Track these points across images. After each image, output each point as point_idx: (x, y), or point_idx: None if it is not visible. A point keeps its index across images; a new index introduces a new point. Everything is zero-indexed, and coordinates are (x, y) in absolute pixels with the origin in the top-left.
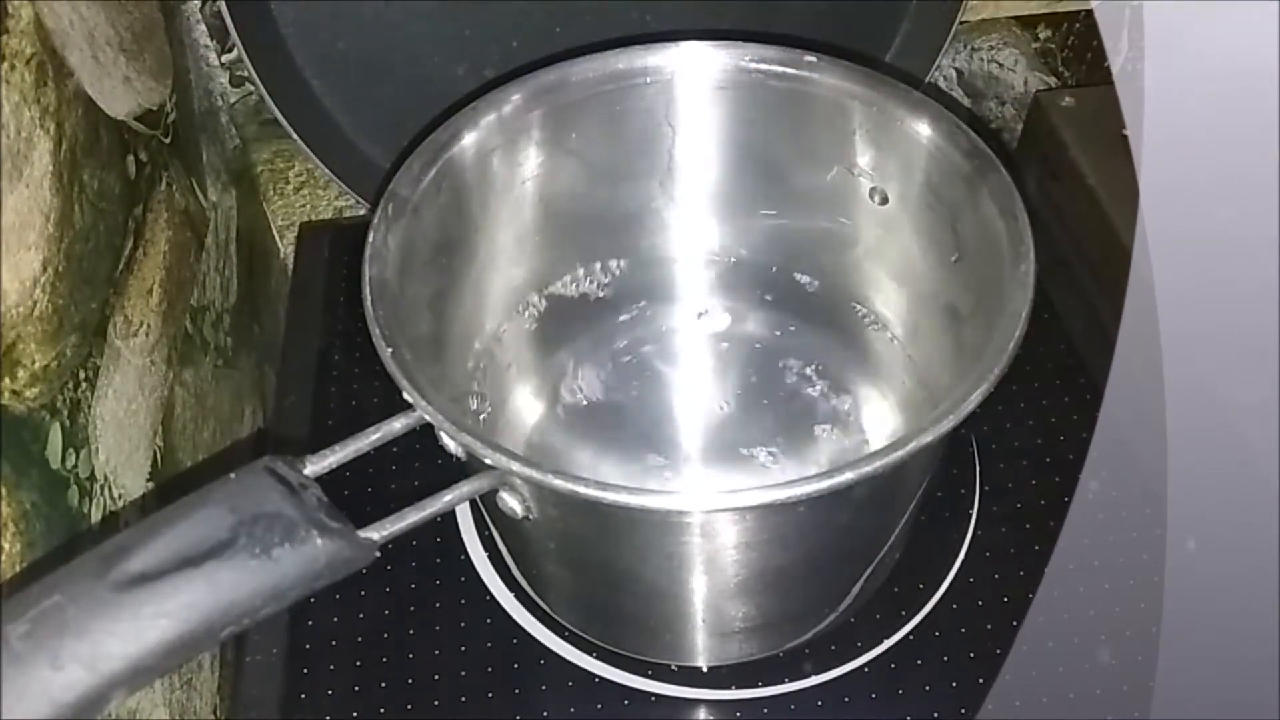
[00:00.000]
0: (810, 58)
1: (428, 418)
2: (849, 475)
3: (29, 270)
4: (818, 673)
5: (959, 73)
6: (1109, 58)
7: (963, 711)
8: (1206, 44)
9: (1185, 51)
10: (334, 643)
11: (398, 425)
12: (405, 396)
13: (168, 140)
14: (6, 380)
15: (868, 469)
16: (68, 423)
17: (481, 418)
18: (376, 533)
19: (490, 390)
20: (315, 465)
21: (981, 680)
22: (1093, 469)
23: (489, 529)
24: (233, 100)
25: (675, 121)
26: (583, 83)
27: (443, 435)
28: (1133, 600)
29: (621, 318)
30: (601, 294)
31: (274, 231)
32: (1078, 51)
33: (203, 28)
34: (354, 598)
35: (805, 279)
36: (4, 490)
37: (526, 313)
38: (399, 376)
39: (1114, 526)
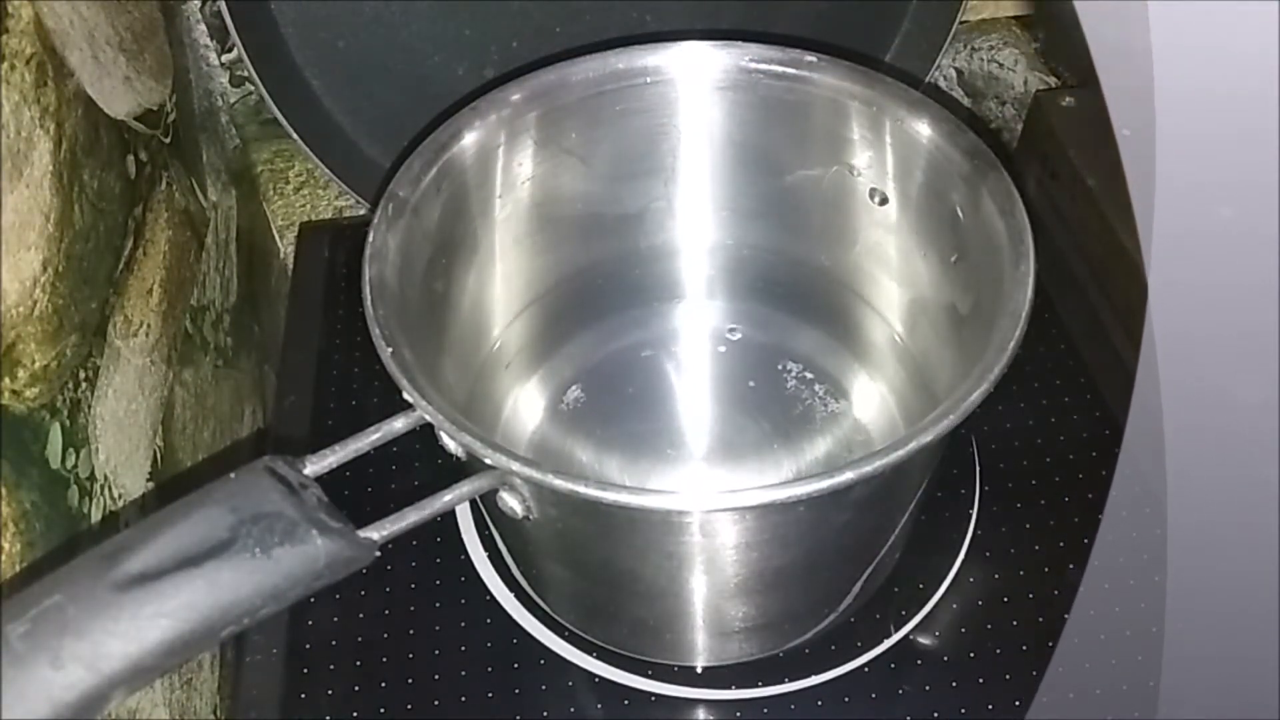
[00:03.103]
0: (810, 58)
1: (428, 418)
2: (849, 475)
3: (29, 270)
4: (818, 673)
5: (959, 73)
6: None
7: (962, 711)
8: (1208, 44)
9: (1187, 52)
10: (334, 643)
11: (398, 425)
12: (405, 396)
13: (168, 140)
14: (6, 380)
15: (868, 469)
16: (68, 423)
17: (481, 417)
18: (376, 533)
19: (490, 389)
20: (315, 465)
21: (981, 680)
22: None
23: (489, 529)
24: (233, 100)
25: (675, 122)
26: (583, 83)
27: (443, 435)
28: (1133, 600)
29: (621, 318)
30: (601, 294)
31: (274, 231)
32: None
33: (203, 28)
34: (354, 598)
35: (805, 279)
36: (4, 490)
37: (526, 312)
38: (399, 376)
39: (1112, 528)
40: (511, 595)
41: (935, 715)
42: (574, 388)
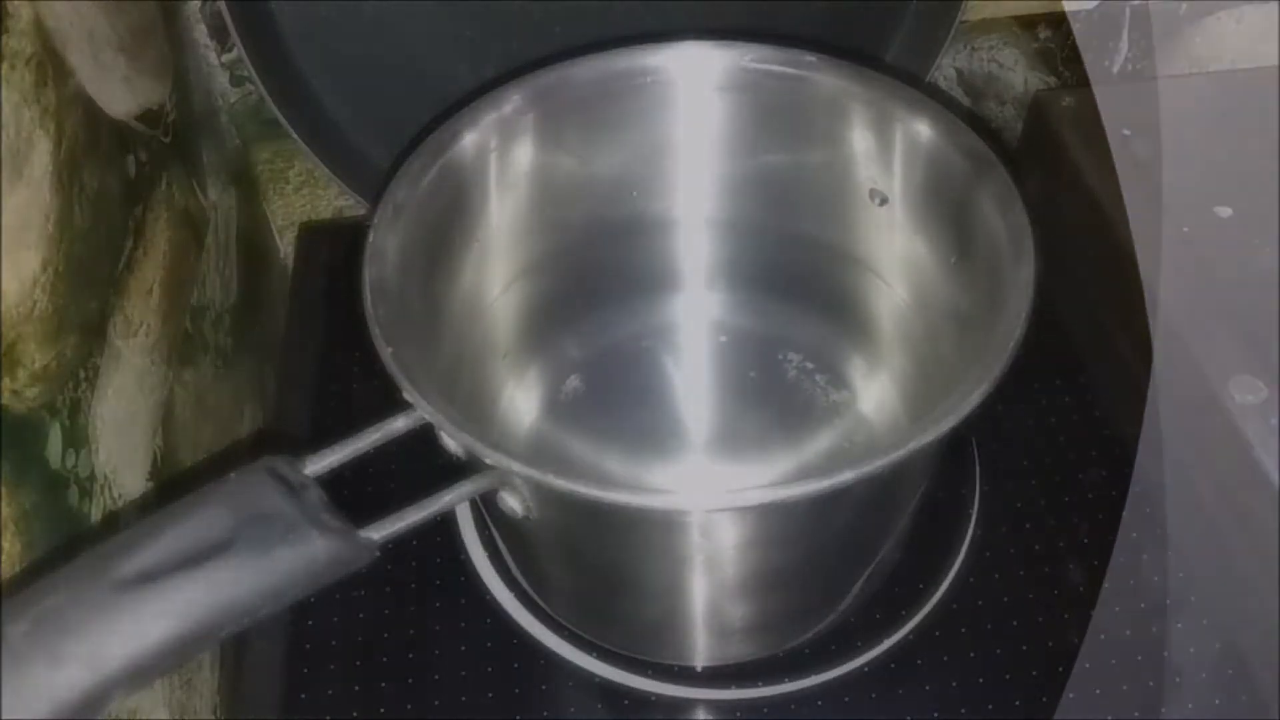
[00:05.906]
0: (810, 58)
1: (428, 418)
2: (849, 475)
3: (29, 270)
4: (818, 673)
5: (959, 73)
6: (1102, 58)
7: (963, 711)
8: (1208, 44)
9: (1187, 52)
10: (334, 643)
11: (398, 425)
12: (405, 396)
13: (168, 140)
14: (6, 380)
15: (868, 469)
16: (68, 423)
17: (479, 409)
18: (376, 533)
19: (488, 381)
20: (315, 465)
21: (981, 680)
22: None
23: (489, 529)
24: (233, 100)
25: (675, 121)
26: (583, 83)
27: (443, 435)
28: (1133, 600)
29: (620, 309)
30: (601, 291)
31: (274, 231)
32: (1078, 51)
33: (203, 28)
34: (354, 598)
35: (805, 273)
36: (4, 490)
37: (525, 306)
38: (399, 376)
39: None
40: (511, 595)
41: (935, 715)
42: (572, 378)
